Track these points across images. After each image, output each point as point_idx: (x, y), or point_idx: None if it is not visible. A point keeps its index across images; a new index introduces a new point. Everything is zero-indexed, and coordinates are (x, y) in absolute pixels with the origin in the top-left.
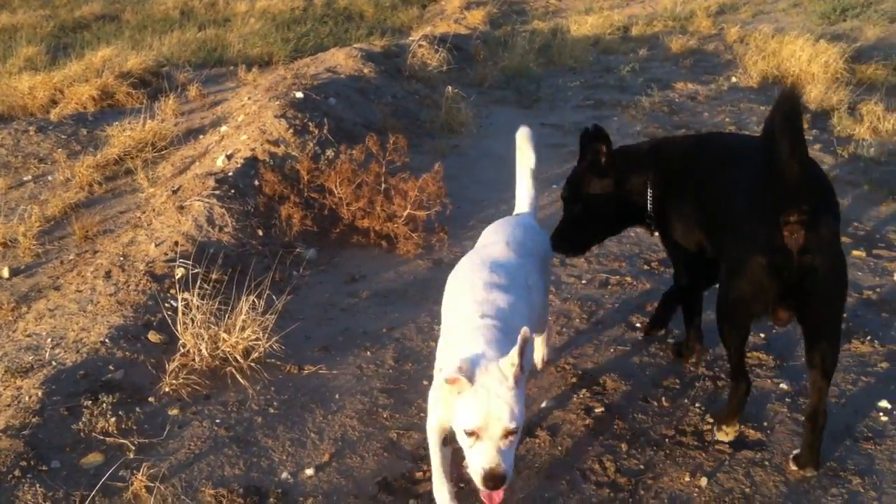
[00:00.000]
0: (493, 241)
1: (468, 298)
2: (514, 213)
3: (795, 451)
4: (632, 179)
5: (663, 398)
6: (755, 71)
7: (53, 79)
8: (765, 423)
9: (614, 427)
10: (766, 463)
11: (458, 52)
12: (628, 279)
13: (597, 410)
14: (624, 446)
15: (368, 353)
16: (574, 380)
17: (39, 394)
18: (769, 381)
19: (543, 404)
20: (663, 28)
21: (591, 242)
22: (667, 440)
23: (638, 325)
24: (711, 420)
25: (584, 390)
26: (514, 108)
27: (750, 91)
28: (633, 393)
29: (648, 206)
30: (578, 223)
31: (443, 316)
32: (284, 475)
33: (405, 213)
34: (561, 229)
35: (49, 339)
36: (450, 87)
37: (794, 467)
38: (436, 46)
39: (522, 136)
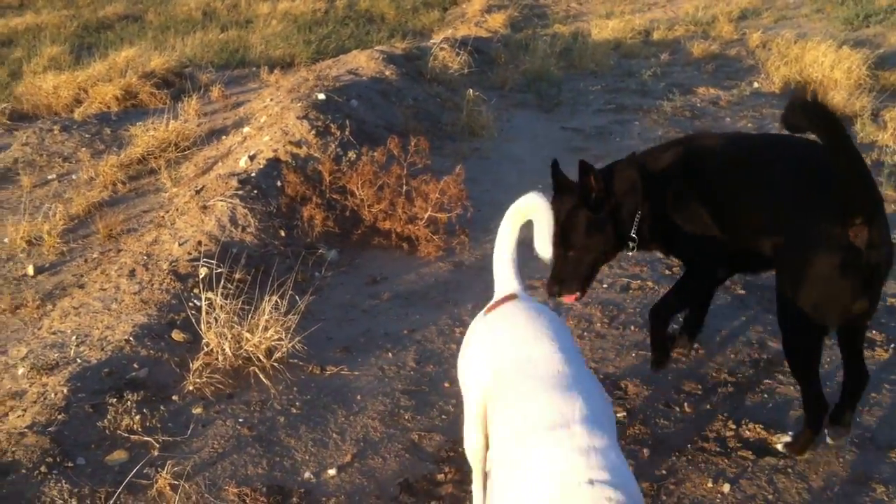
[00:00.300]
0: (533, 349)
1: (556, 446)
2: (502, 293)
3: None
4: (625, 205)
5: (685, 404)
6: (777, 76)
7: (77, 78)
8: (788, 430)
9: (636, 432)
10: (790, 470)
11: (479, 55)
12: (650, 283)
13: (618, 415)
14: (646, 451)
15: (390, 354)
16: None
17: (65, 391)
18: (792, 387)
19: None
20: (685, 33)
21: (592, 279)
22: (689, 446)
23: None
24: (783, 448)
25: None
26: (535, 111)
27: (772, 96)
28: (654, 398)
29: (633, 227)
30: (575, 264)
31: (494, 456)
32: (307, 475)
33: (426, 216)
34: (561, 273)
35: (74, 337)
36: (471, 90)
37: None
38: (457, 49)
39: (534, 204)
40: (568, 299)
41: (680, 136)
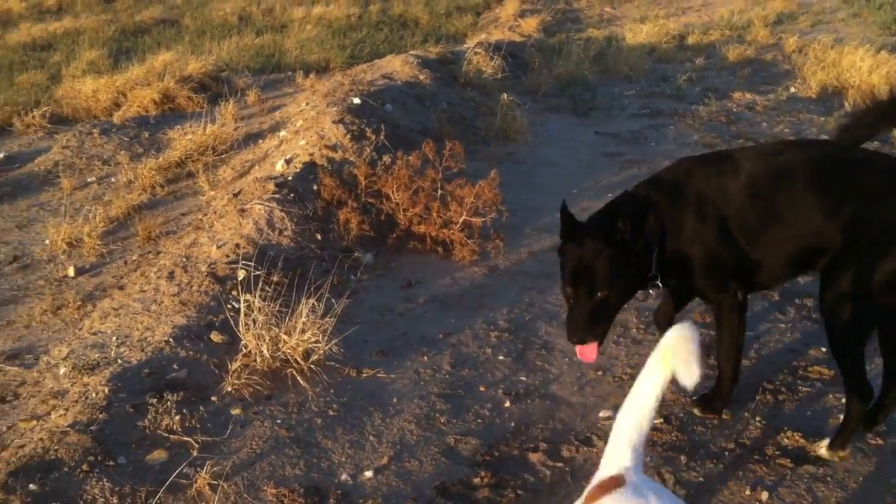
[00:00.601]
0: None
1: None
2: (606, 471)
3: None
4: (645, 243)
5: (723, 410)
6: (814, 81)
7: (116, 82)
8: (827, 439)
9: (673, 438)
10: (829, 479)
11: (513, 59)
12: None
13: (655, 422)
14: (683, 458)
15: (425, 357)
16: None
17: (106, 391)
18: (831, 395)
19: (601, 413)
20: (720, 37)
21: (610, 326)
22: (727, 453)
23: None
24: (824, 448)
25: None
26: (570, 116)
27: (809, 101)
28: (692, 405)
29: (654, 262)
30: (602, 307)
31: None
32: (344, 476)
33: (461, 220)
34: (582, 318)
35: (114, 338)
36: (505, 95)
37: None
38: (491, 54)
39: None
40: (590, 351)
41: (664, 168)
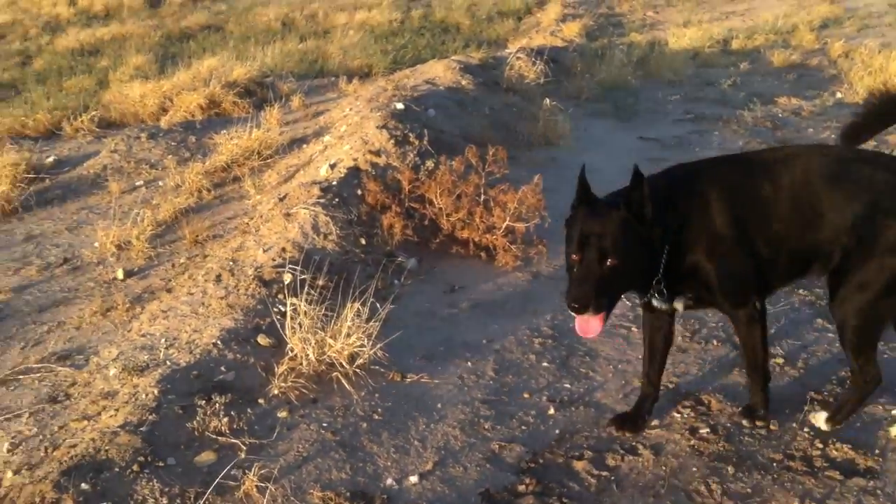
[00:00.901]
0: None
1: None
2: None
3: None
4: (660, 232)
5: (770, 421)
6: (861, 86)
7: (163, 87)
8: (876, 451)
9: (720, 448)
10: (878, 492)
11: (555, 64)
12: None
13: (702, 431)
14: (730, 469)
15: (469, 363)
16: (678, 398)
17: (155, 392)
18: (881, 406)
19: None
20: (764, 42)
21: (615, 305)
22: (774, 464)
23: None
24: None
25: (688, 410)
26: (612, 121)
27: (856, 107)
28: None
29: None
30: (610, 277)
31: None
32: (389, 481)
33: (504, 225)
34: (591, 287)
35: (163, 340)
36: (548, 100)
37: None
38: (533, 59)
39: None
40: (594, 325)
41: (681, 164)
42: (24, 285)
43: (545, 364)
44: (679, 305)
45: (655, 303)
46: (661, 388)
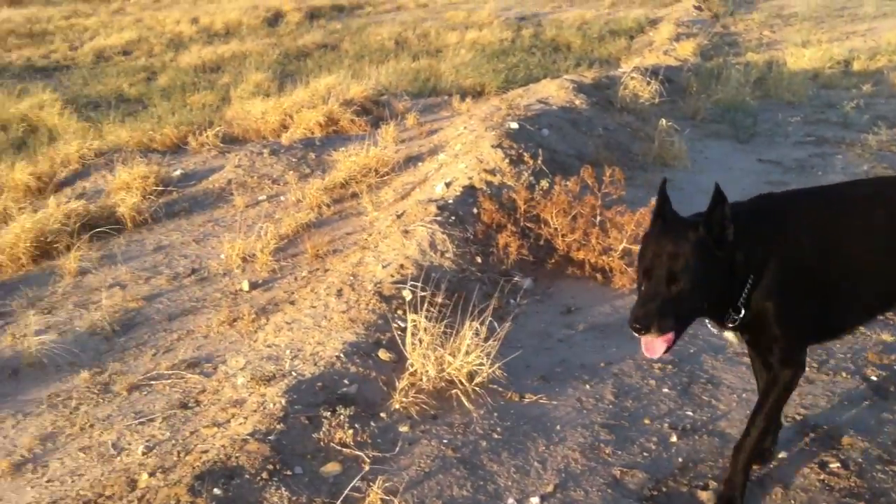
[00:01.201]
0: None
1: None
2: None
3: None
4: (744, 261)
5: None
6: None
7: (283, 104)
8: None
9: (851, 484)
10: None
11: (669, 84)
12: (860, 328)
13: (832, 466)
14: None
15: (587, 386)
16: (806, 430)
17: (283, 402)
18: None
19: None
20: (888, 63)
21: (685, 328)
22: None
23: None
24: None
25: (817, 444)
26: (730, 142)
27: None
28: (871, 450)
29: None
30: (678, 301)
31: None
32: (510, 501)
33: (621, 247)
34: (656, 307)
35: (288, 351)
36: (663, 120)
37: None
38: (647, 78)
39: None
40: (658, 345)
41: (764, 195)
42: (155, 294)
43: (665, 390)
44: (736, 339)
45: (727, 334)
46: (789, 419)
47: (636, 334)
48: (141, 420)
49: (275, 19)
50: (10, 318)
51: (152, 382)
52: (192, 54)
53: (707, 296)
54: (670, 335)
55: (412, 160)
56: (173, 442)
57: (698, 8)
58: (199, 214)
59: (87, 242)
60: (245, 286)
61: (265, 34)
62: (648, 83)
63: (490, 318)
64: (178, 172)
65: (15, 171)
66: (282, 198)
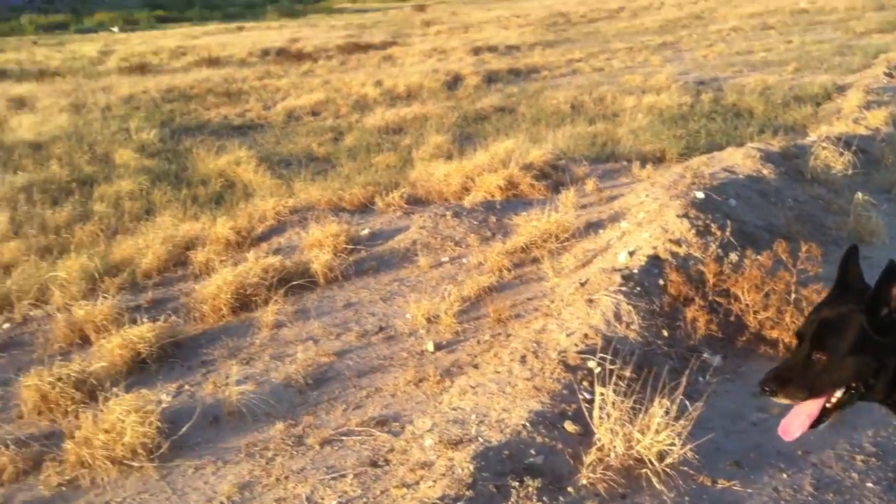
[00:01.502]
0: None
1: None
2: None
3: None
4: None
5: None
6: None
7: (465, 168)
8: None
9: None
10: None
11: (862, 154)
12: None
13: None
14: None
15: (784, 475)
16: None
17: (471, 468)
18: None
19: None
20: None
21: (827, 414)
22: None
23: None
24: None
25: None
26: None
27: None
28: None
29: None
30: (819, 374)
31: None
32: None
33: None
34: (791, 374)
35: (473, 416)
36: (860, 193)
37: None
38: (839, 148)
39: None
40: (795, 424)
41: None
42: (345, 350)
43: (869, 485)
44: None
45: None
46: None
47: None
48: (333, 475)
49: (454, 83)
50: (211, 367)
51: (343, 438)
52: (375, 116)
53: (855, 375)
54: (811, 414)
55: (592, 226)
56: (365, 500)
57: (888, 75)
58: (385, 273)
59: (282, 296)
60: (430, 347)
61: (445, 97)
62: (841, 153)
63: (681, 397)
64: (366, 231)
65: (217, 225)
66: (464, 260)
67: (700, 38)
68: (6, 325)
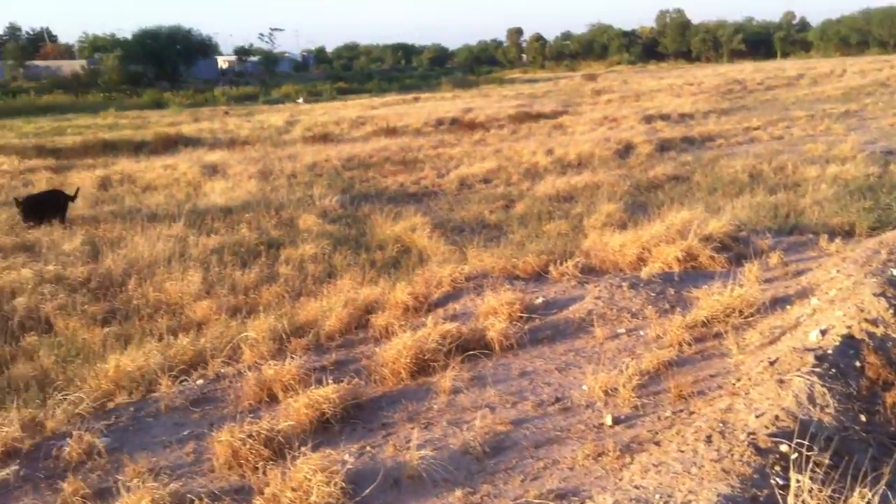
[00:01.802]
0: None
1: None
2: None
3: None
4: None
5: None
6: None
7: (641, 238)
8: None
9: None
10: None
11: None
12: None
13: None
14: None
15: None
16: None
17: None
18: None
19: None
20: None
21: None
22: None
23: None
24: None
25: None
26: None
27: None
28: None
29: None
30: None
31: None
32: None
33: None
34: None
35: (657, 495)
36: None
37: None
38: None
39: None
40: None
41: None
42: (522, 419)
43: None
44: None
45: None
46: None
47: None
48: None
49: (626, 151)
50: (391, 430)
51: None
52: (546, 184)
53: None
54: None
55: (778, 302)
56: None
57: None
58: (560, 343)
59: (459, 363)
60: (608, 420)
61: (616, 165)
62: None
63: (883, 487)
64: (540, 300)
65: (396, 290)
66: (641, 332)
67: (886, 106)
68: (200, 381)
